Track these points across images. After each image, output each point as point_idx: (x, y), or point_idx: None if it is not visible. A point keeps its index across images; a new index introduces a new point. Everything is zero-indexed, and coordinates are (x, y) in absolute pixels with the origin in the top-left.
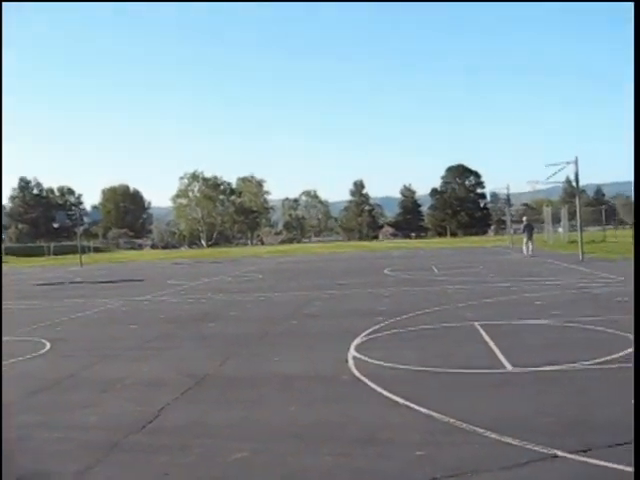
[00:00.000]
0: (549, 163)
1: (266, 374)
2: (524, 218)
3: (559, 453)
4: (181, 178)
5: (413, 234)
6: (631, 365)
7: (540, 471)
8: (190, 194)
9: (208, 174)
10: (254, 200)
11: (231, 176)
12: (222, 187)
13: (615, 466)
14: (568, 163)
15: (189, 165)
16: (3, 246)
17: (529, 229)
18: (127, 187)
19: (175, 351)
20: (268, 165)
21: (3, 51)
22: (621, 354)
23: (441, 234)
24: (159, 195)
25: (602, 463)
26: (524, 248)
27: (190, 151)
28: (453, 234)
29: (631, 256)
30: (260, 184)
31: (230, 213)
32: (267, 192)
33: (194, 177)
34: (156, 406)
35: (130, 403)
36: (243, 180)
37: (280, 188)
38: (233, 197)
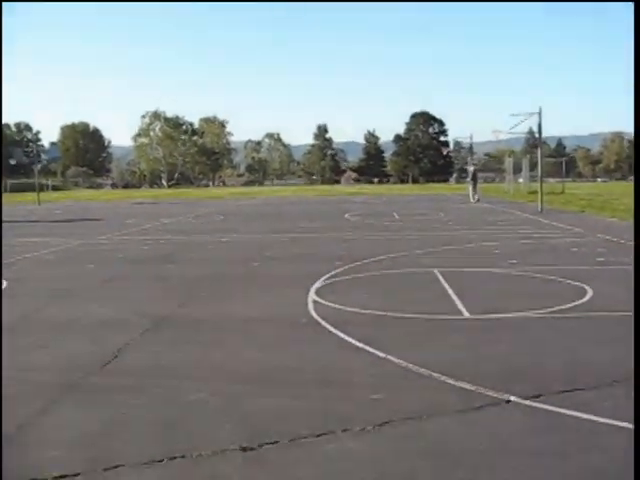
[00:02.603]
0: (513, 113)
1: (225, 316)
2: (471, 167)
3: (512, 398)
4: (142, 117)
5: (375, 180)
6: (582, 313)
7: (494, 415)
8: (151, 133)
9: (170, 114)
10: (216, 141)
11: (193, 116)
12: (184, 127)
13: (565, 411)
14: (532, 114)
15: (151, 104)
16: None
17: (475, 177)
18: (87, 125)
19: (133, 292)
20: (231, 106)
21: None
22: (574, 304)
23: (403, 180)
24: (119, 134)
25: (553, 408)
26: (470, 195)
27: (153, 89)
28: (415, 181)
29: (589, 209)
30: (223, 125)
31: (192, 154)
32: (230, 133)
33: (156, 116)
34: (114, 347)
35: (87, 344)
36: (205, 121)
37: (243, 130)
38: (195, 137)
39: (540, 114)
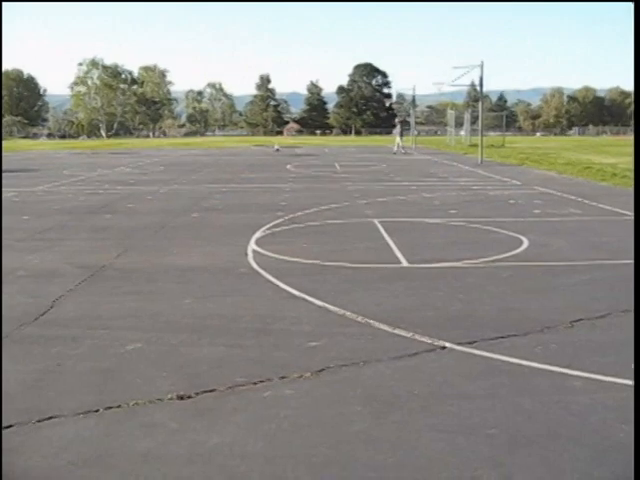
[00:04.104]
0: (456, 66)
1: (163, 267)
2: (396, 120)
3: (447, 345)
4: (79, 64)
5: (318, 131)
6: (517, 263)
7: (428, 361)
8: (89, 82)
9: (108, 62)
10: (157, 90)
11: (133, 65)
12: (123, 76)
13: (497, 356)
14: (474, 67)
15: (88, 51)
16: None
17: (402, 130)
18: (21, 72)
19: (70, 243)
20: (172, 54)
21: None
22: (510, 254)
23: (346, 132)
24: (56, 82)
25: (486, 354)
26: (397, 146)
27: (91, 36)
28: (358, 133)
29: (527, 162)
30: (163, 74)
31: (131, 103)
32: (170, 82)
33: (93, 64)
34: (49, 298)
35: (22, 295)
36: (145, 69)
37: (184, 79)
38: (135, 87)
39: (482, 67)
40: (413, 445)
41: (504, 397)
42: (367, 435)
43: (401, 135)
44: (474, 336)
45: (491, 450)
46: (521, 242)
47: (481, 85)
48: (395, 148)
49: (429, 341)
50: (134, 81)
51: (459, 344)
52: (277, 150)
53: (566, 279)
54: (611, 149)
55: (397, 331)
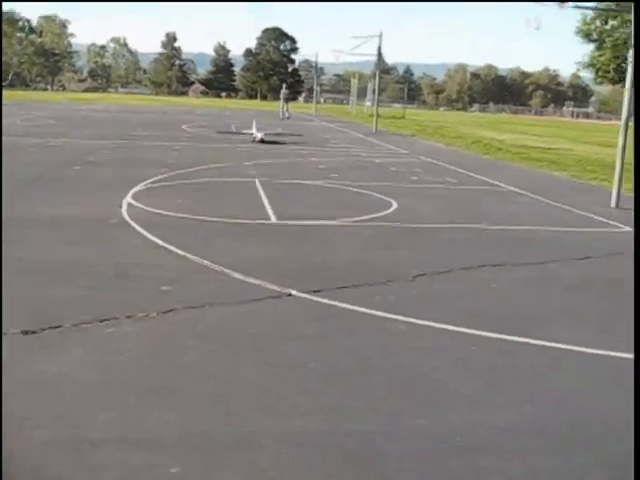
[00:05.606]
0: (355, 35)
1: (34, 215)
2: (284, 85)
3: (293, 292)
4: None
5: (224, 94)
6: (381, 223)
7: (271, 306)
8: None
9: (4, 8)
10: (56, 42)
11: (31, 14)
12: (20, 24)
13: (337, 304)
14: (372, 37)
15: None
16: None
17: (287, 96)
18: None
19: None
20: (74, 5)
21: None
22: (377, 215)
23: (252, 96)
24: None
25: (328, 301)
26: (280, 112)
27: None
28: (264, 97)
29: (420, 134)
30: (64, 25)
31: (28, 54)
32: (72, 35)
33: None
34: None
35: None
36: (45, 19)
37: (86, 32)
38: (33, 36)
39: (380, 37)
40: (240, 375)
41: (333, 338)
42: (199, 367)
43: (286, 100)
44: (321, 286)
45: (309, 382)
46: (390, 205)
47: (379, 55)
48: (286, 114)
49: (277, 289)
50: (32, 30)
51: (305, 292)
52: (261, 140)
53: (422, 239)
54: (505, 126)
55: (249, 279)
